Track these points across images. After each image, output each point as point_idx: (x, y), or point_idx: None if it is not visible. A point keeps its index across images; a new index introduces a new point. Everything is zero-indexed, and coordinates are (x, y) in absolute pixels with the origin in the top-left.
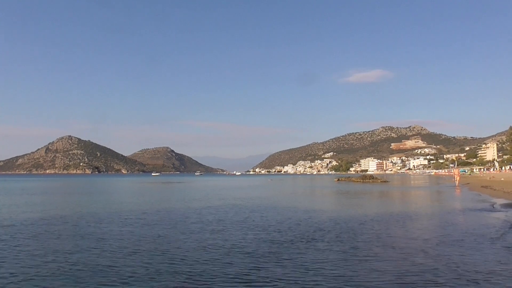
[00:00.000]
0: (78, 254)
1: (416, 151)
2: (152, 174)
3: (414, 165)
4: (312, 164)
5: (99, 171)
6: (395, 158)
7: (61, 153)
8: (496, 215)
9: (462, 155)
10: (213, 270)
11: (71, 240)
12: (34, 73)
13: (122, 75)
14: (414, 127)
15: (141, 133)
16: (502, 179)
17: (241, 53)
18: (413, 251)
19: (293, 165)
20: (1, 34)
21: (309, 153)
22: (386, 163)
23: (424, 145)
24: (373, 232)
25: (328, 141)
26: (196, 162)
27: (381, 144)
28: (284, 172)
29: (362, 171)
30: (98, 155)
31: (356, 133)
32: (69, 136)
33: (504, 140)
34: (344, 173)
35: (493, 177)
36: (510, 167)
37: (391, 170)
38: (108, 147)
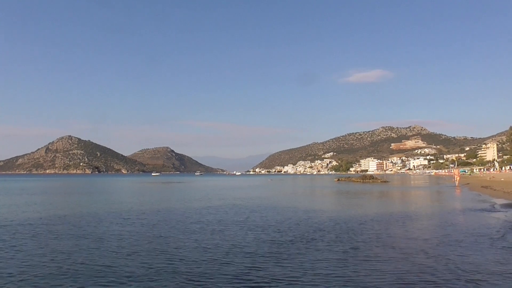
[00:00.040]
0: (78, 254)
1: (416, 151)
2: (152, 174)
3: (414, 165)
4: (312, 164)
5: (99, 171)
6: (395, 158)
7: (61, 153)
8: (496, 215)
9: (462, 155)
10: (213, 270)
11: (70, 240)
12: (34, 73)
13: (122, 75)
14: (414, 127)
15: (141, 133)
16: (502, 179)
17: (241, 53)
18: (413, 251)
19: (293, 165)
20: (1, 34)
21: (309, 153)
22: (386, 163)
23: (424, 145)
24: (373, 232)
25: (328, 141)
26: (196, 162)
27: (381, 144)
28: (284, 172)
29: (362, 171)
30: (98, 155)
31: (356, 133)
32: (69, 136)
33: (504, 140)
34: (344, 173)
35: (493, 177)
36: (510, 167)
37: (391, 170)
38: (108, 147)
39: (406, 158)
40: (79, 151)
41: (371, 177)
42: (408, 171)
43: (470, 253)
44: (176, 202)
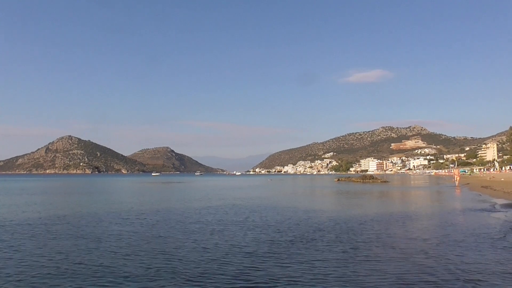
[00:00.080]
0: (76, 254)
1: (416, 151)
2: (152, 174)
3: (414, 165)
4: (312, 164)
5: (99, 171)
6: (395, 158)
7: (61, 153)
8: (496, 215)
9: (462, 155)
10: (212, 271)
11: (69, 240)
12: (34, 73)
13: (122, 75)
14: (414, 127)
15: (141, 133)
16: (502, 179)
17: (241, 53)
18: (413, 251)
19: (293, 165)
20: (1, 34)
21: (309, 153)
22: (386, 163)
23: (424, 145)
24: (373, 232)
25: (328, 141)
26: (196, 162)
27: (381, 144)
28: (284, 172)
29: (362, 171)
30: (98, 155)
31: (356, 133)
32: (69, 136)
33: (504, 140)
34: (344, 173)
35: (493, 177)
36: (510, 167)
37: (391, 170)
38: (108, 147)
39: (406, 158)
40: (79, 151)
41: (371, 177)
42: (408, 171)
43: (470, 253)
44: (176, 202)
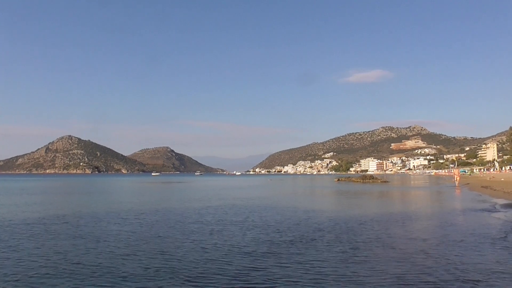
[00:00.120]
0: (75, 254)
1: (416, 151)
2: (152, 174)
3: (414, 165)
4: (312, 164)
5: (99, 171)
6: (395, 158)
7: (61, 153)
8: (496, 215)
9: (462, 155)
10: (211, 271)
11: (68, 240)
12: (34, 73)
13: (122, 75)
14: (414, 127)
15: (141, 133)
16: (502, 179)
17: (241, 53)
18: (413, 251)
19: (293, 165)
20: (1, 34)
21: (309, 153)
22: (386, 163)
23: (424, 145)
24: (373, 232)
25: (328, 141)
26: (196, 162)
27: (381, 144)
28: (284, 172)
29: (362, 171)
30: (98, 155)
31: (356, 133)
32: (69, 136)
33: (504, 140)
34: (344, 173)
35: (493, 177)
36: (510, 167)
37: (391, 170)
38: (108, 147)
39: (406, 158)
40: (79, 151)
41: (371, 177)
42: (408, 171)
43: (470, 253)
44: (175, 202)
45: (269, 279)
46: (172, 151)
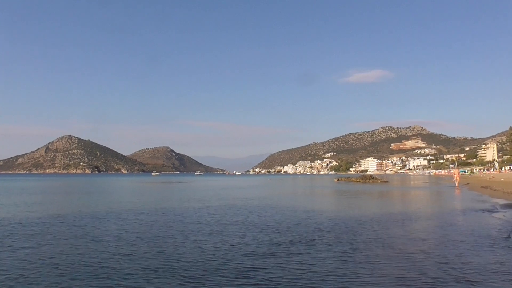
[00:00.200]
0: (75, 254)
1: (416, 151)
2: (152, 173)
3: (414, 166)
4: (312, 164)
5: (99, 171)
6: (395, 158)
7: (61, 153)
8: (496, 215)
9: (462, 155)
10: (211, 271)
11: (67, 240)
12: (34, 73)
13: (122, 75)
14: (414, 127)
15: (141, 133)
16: (502, 179)
17: (241, 53)
18: (413, 251)
19: (293, 165)
20: (1, 34)
21: (309, 153)
22: (386, 163)
23: (424, 145)
24: (372, 232)
25: (328, 141)
26: (196, 162)
27: (381, 144)
28: (284, 172)
29: (362, 171)
30: (98, 154)
31: (356, 133)
32: (69, 135)
33: (504, 140)
34: (344, 173)
35: (493, 177)
36: (510, 168)
37: (391, 170)
38: (108, 147)
39: (406, 158)
40: (79, 151)
41: (371, 177)
42: (408, 171)
43: (470, 254)
44: (175, 202)
45: (268, 279)
46: (172, 151)
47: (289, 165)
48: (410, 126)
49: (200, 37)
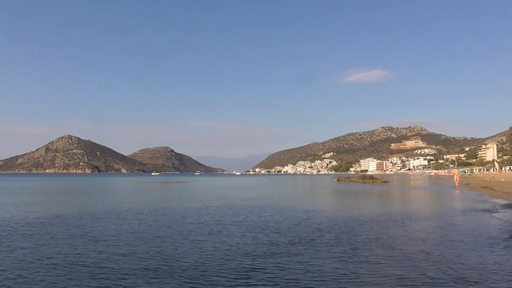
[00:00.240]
0: (75, 254)
1: (416, 151)
2: (152, 173)
3: (414, 166)
4: (312, 164)
5: (99, 171)
6: (395, 158)
7: (61, 153)
8: (496, 215)
9: (462, 155)
10: (210, 271)
11: (66, 240)
12: (34, 73)
13: (122, 75)
14: (414, 128)
15: (141, 133)
16: (502, 179)
17: (241, 53)
18: (413, 251)
19: (293, 165)
20: (1, 34)
21: (309, 153)
22: (386, 163)
23: (424, 145)
24: (372, 232)
25: (328, 141)
26: (196, 162)
27: (381, 145)
28: (284, 172)
29: (362, 171)
30: (98, 154)
31: (356, 133)
32: (69, 135)
33: (504, 140)
34: (344, 173)
35: (493, 177)
36: (510, 168)
37: (391, 170)
38: (108, 147)
39: (406, 158)
40: (79, 151)
41: (371, 177)
42: (408, 171)
43: (470, 254)
44: (175, 202)
45: (268, 280)
46: (172, 151)
47: (289, 165)
48: (410, 126)
49: (200, 37)
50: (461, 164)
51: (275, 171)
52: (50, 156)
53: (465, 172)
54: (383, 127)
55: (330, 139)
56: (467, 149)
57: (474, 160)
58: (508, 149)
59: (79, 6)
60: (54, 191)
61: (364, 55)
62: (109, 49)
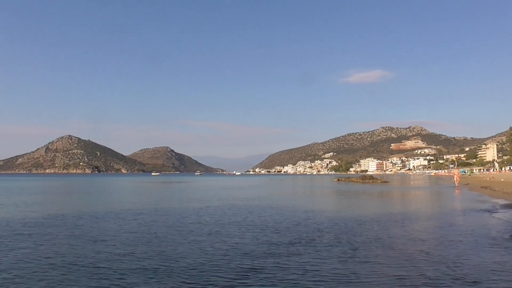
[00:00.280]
0: (74, 255)
1: (416, 151)
2: (152, 173)
3: (414, 166)
4: (312, 164)
5: (99, 171)
6: (395, 158)
7: (61, 153)
8: (496, 215)
9: (462, 155)
10: (210, 272)
11: (66, 240)
12: (34, 73)
13: (122, 75)
14: (414, 128)
15: (141, 133)
16: (502, 179)
17: (241, 53)
18: (412, 252)
19: (293, 165)
20: (1, 34)
21: (309, 153)
22: (386, 163)
23: (424, 145)
24: (372, 232)
25: (328, 141)
26: (196, 162)
27: (381, 145)
28: (284, 172)
29: (362, 171)
30: (98, 154)
31: (356, 133)
32: (69, 135)
33: (504, 140)
34: (344, 173)
35: (493, 177)
36: (510, 168)
37: (391, 170)
38: (108, 147)
39: (406, 159)
40: (79, 151)
41: (371, 177)
42: (408, 171)
43: (469, 254)
44: (175, 202)
45: (268, 280)
46: (172, 151)
47: (289, 165)
48: (410, 126)
49: (200, 37)
50: (461, 164)
51: (275, 171)
52: (50, 156)
53: (465, 172)
54: (383, 127)
55: (330, 139)
56: (467, 149)
57: (474, 160)
58: (508, 149)
59: (79, 6)
60: (54, 191)
61: (364, 55)
62: (109, 49)
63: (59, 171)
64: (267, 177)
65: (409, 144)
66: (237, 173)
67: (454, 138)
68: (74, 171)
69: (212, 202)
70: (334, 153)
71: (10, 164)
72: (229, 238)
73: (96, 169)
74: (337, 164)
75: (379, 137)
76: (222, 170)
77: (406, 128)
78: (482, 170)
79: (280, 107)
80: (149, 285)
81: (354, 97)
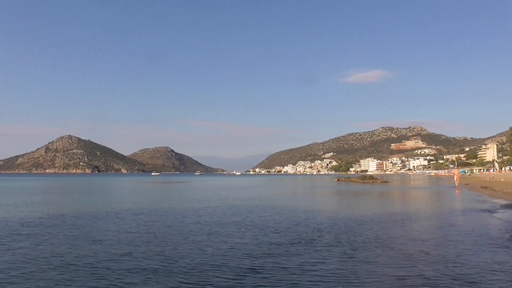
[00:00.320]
0: (74, 255)
1: (416, 151)
2: (152, 173)
3: (414, 166)
4: (312, 164)
5: (99, 171)
6: (395, 158)
7: (61, 153)
8: (496, 215)
9: (462, 155)
10: (209, 272)
11: (65, 240)
12: (34, 73)
13: (122, 75)
14: (414, 128)
15: (141, 133)
16: (502, 179)
17: (241, 53)
18: (412, 252)
19: (293, 165)
20: (1, 34)
21: (309, 153)
22: (386, 163)
23: (424, 145)
24: (372, 232)
25: (328, 141)
26: (196, 162)
27: (381, 145)
28: (284, 172)
29: (362, 171)
30: (98, 154)
31: (356, 133)
32: (69, 135)
33: (504, 140)
34: (344, 173)
35: (493, 177)
36: (510, 168)
37: (391, 170)
38: (108, 147)
39: (406, 159)
40: (79, 151)
41: (371, 177)
42: (408, 171)
43: (469, 254)
44: (175, 202)
45: (268, 280)
46: (172, 151)
47: (289, 165)
48: (410, 126)
49: (200, 37)
50: (461, 164)
51: (275, 171)
52: (50, 156)
53: (465, 172)
54: (383, 127)
55: (330, 139)
56: (467, 149)
57: (474, 160)
58: (508, 149)
59: (79, 6)
60: (53, 191)
61: (364, 55)
62: (109, 49)
63: (59, 171)
64: (267, 177)
65: (409, 144)
66: (237, 173)
67: (454, 138)
68: (74, 171)
69: (212, 202)
70: (334, 153)
71: (10, 164)
72: (229, 238)
73: (96, 169)
74: (337, 164)
75: (379, 137)
76: (222, 170)
77: (406, 128)
78: (482, 170)
79: (280, 107)
80: (148, 285)
81: (354, 97)
